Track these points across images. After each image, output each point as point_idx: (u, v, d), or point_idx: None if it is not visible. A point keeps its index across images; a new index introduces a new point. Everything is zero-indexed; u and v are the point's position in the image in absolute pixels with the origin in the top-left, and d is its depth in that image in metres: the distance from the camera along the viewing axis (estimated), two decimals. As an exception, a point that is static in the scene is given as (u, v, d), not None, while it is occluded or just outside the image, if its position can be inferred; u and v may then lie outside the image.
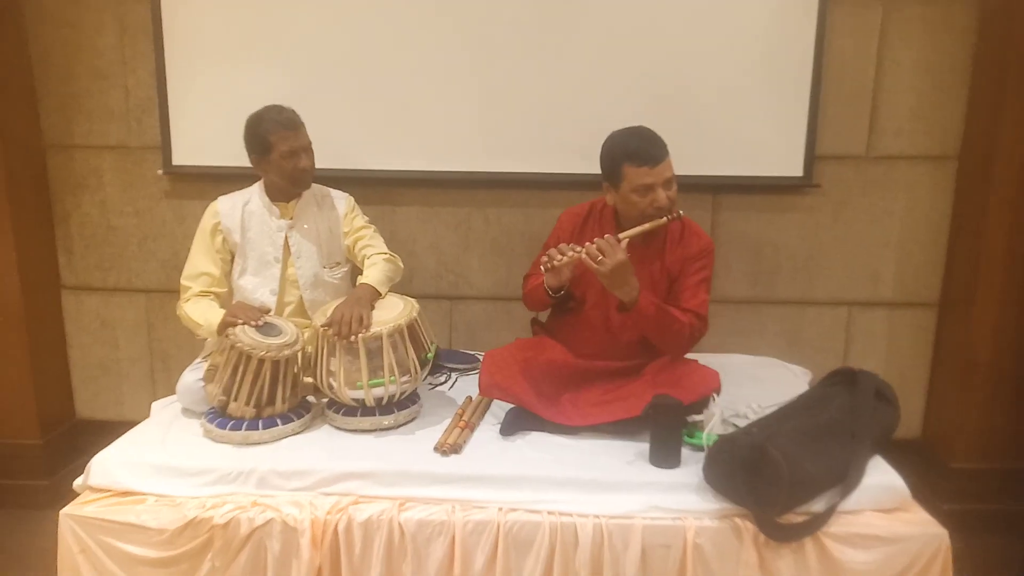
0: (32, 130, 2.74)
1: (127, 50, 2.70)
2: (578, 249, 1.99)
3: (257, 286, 2.33)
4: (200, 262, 2.31)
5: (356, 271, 2.41)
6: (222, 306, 2.25)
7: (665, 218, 2.05)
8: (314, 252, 2.37)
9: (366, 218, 2.46)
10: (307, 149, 2.29)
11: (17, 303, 2.66)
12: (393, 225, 2.79)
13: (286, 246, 2.34)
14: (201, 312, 2.21)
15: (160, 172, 2.75)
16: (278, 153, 2.24)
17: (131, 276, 2.88)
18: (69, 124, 2.76)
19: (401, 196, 2.79)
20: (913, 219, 2.74)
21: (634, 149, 2.05)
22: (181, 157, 2.72)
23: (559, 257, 2.01)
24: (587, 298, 2.24)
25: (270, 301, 2.31)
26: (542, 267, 2.05)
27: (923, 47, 2.61)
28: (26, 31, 2.69)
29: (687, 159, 2.64)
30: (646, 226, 2.05)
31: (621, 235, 2.01)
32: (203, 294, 2.28)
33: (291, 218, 2.35)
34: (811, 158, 2.65)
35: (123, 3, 2.67)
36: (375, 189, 2.75)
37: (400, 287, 2.38)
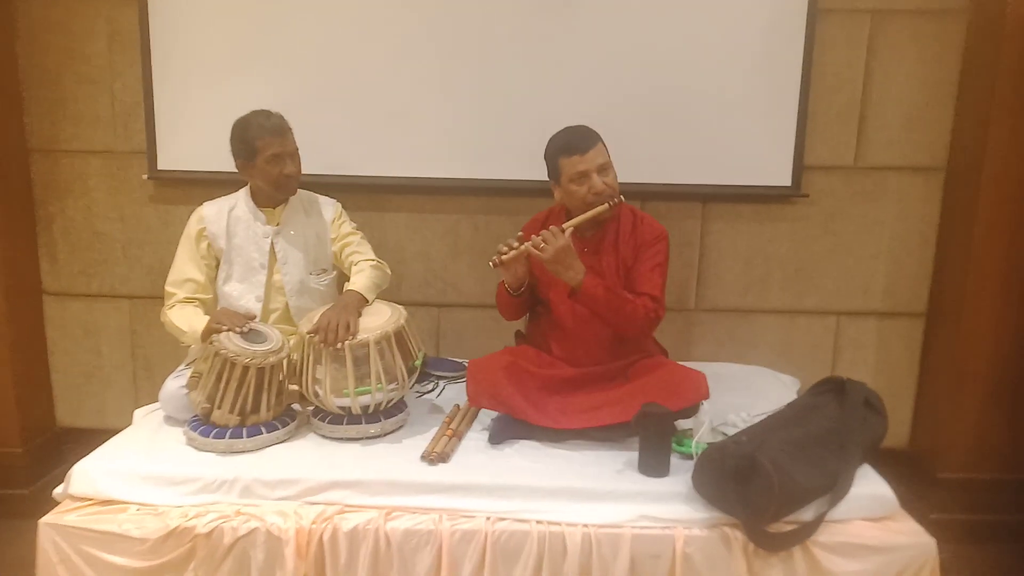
0: (17, 134, 2.71)
1: (115, 56, 2.68)
2: (525, 243, 2.05)
3: (242, 292, 2.31)
4: (185, 268, 2.28)
5: (343, 278, 2.39)
6: (207, 313, 2.23)
7: (606, 204, 2.10)
8: (300, 258, 2.35)
9: (354, 224, 2.45)
10: (293, 155, 2.28)
11: (-1, 309, 2.62)
12: (382, 232, 2.78)
13: (272, 252, 2.33)
14: (186, 319, 2.19)
15: (145, 177, 2.73)
16: (263, 158, 2.22)
17: (115, 282, 2.85)
18: (55, 129, 2.74)
19: (390, 203, 2.78)
20: (902, 229, 2.75)
21: (564, 142, 2.14)
22: (167, 162, 2.71)
23: (505, 250, 2.06)
24: (551, 298, 2.25)
25: (255, 308, 2.29)
26: (490, 263, 2.09)
27: (911, 59, 2.64)
28: (15, 35, 2.67)
29: (677, 168, 2.67)
30: (588, 214, 2.11)
31: (564, 224, 2.08)
32: (188, 300, 2.25)
33: (277, 224, 2.34)
34: (800, 168, 2.66)
35: (112, 9, 2.65)
36: (364, 195, 2.74)
37: (388, 294, 2.36)
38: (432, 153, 2.70)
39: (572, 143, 2.12)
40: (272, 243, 2.32)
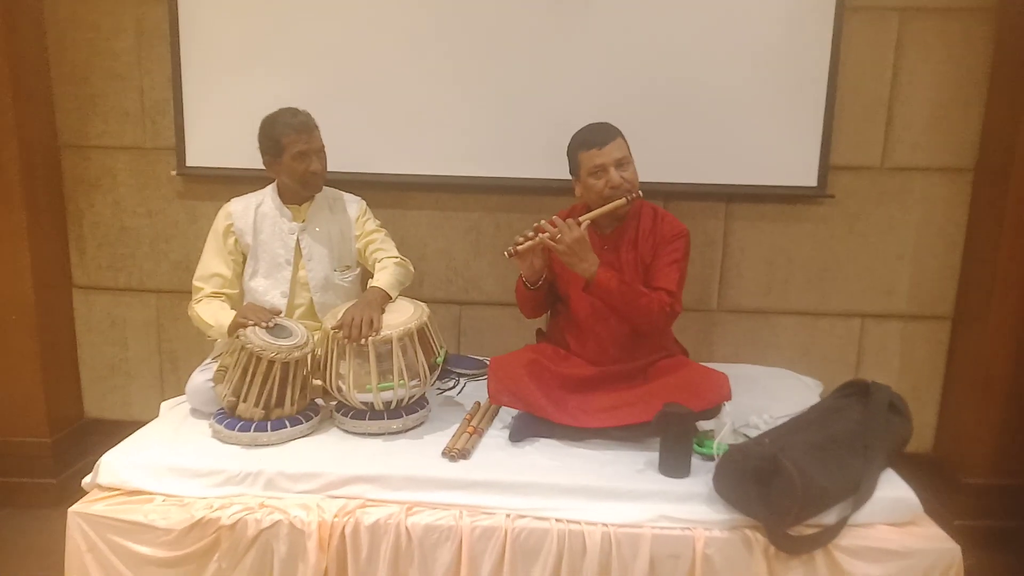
0: (47, 130, 2.76)
1: (143, 52, 2.72)
2: (540, 233, 2.06)
3: (268, 288, 2.34)
4: (212, 263, 2.31)
5: (367, 274, 2.41)
6: (233, 307, 2.25)
7: (624, 199, 2.10)
8: (325, 255, 2.37)
9: (377, 222, 2.46)
10: (319, 152, 2.30)
11: (29, 302, 2.67)
12: (404, 229, 2.79)
13: (297, 249, 2.35)
14: (212, 313, 2.22)
15: (174, 173, 2.77)
16: (290, 155, 2.24)
17: (142, 276, 2.89)
18: (84, 125, 2.78)
19: (412, 200, 2.79)
20: (928, 231, 2.72)
21: (583, 137, 2.17)
22: (195, 158, 2.74)
23: (521, 240, 2.08)
24: (571, 294, 2.26)
25: (280, 303, 2.32)
26: (505, 253, 2.10)
27: (940, 58, 2.60)
28: (45, 33, 2.71)
29: (701, 167, 2.66)
30: (606, 207, 2.12)
31: (581, 217, 2.09)
32: (214, 295, 2.28)
33: (303, 221, 2.36)
34: (825, 168, 2.64)
35: (141, 6, 2.69)
36: (386, 193, 2.75)
37: (410, 291, 2.37)
38: (454, 151, 2.70)
39: (591, 138, 2.15)
40: (298, 240, 2.34)
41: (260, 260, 2.34)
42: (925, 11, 2.58)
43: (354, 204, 2.45)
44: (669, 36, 2.59)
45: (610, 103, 2.60)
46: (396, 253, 2.38)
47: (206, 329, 2.22)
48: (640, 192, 2.14)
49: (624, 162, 2.13)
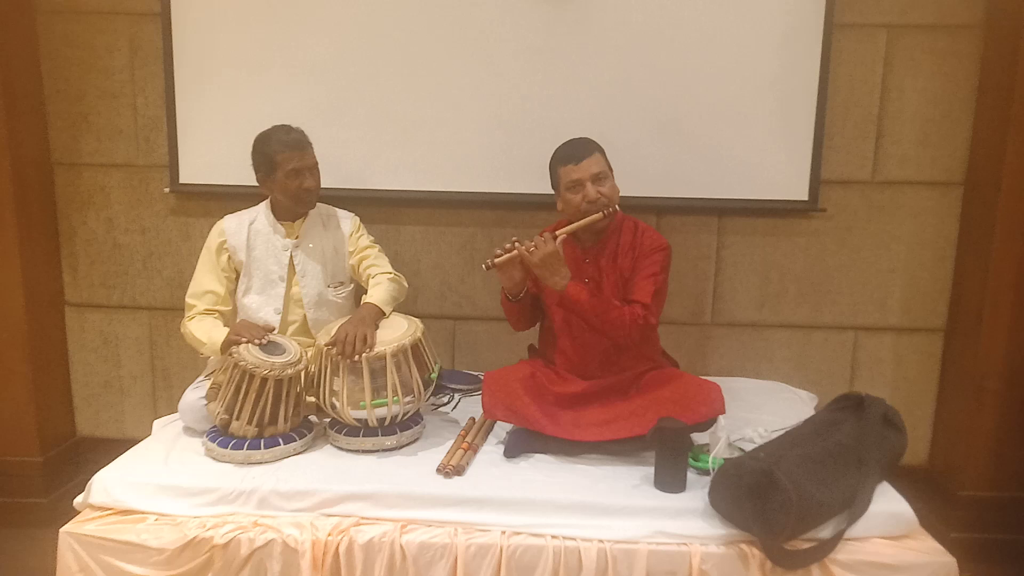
0: (41, 147, 2.75)
1: (137, 70, 2.73)
2: (516, 245, 2.10)
3: (261, 304, 2.33)
4: (205, 280, 2.31)
5: (360, 290, 2.41)
6: (226, 324, 2.25)
7: (601, 213, 2.13)
8: (319, 271, 2.37)
9: (371, 238, 2.47)
10: (312, 169, 2.30)
11: (20, 319, 2.65)
12: (398, 245, 2.80)
13: (291, 265, 2.35)
14: (205, 331, 2.21)
15: (167, 190, 2.76)
16: (283, 172, 2.25)
17: (135, 293, 2.88)
18: (77, 142, 2.78)
19: (406, 216, 2.80)
20: (919, 244, 2.73)
21: (562, 152, 2.21)
22: (188, 176, 2.74)
23: (499, 252, 2.11)
24: (551, 306, 2.28)
25: (274, 320, 2.31)
26: (483, 266, 2.13)
27: (928, 74, 2.63)
28: (38, 50, 2.72)
29: (693, 182, 2.68)
30: (582, 221, 2.15)
31: (558, 231, 2.13)
32: (207, 312, 2.28)
33: (296, 237, 2.36)
34: (817, 182, 2.66)
35: (134, 24, 2.69)
36: (380, 208, 2.76)
37: (404, 307, 2.37)
38: (448, 167, 2.71)
39: (568, 153, 2.18)
40: (291, 256, 2.34)
41: (253, 277, 2.34)
42: (913, 28, 2.61)
43: (347, 220, 2.45)
44: (661, 52, 2.61)
45: (603, 119, 2.62)
46: (390, 269, 2.38)
47: (199, 346, 2.22)
48: (617, 207, 2.17)
49: (601, 177, 2.15)
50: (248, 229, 2.35)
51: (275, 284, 2.34)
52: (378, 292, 2.25)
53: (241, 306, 2.35)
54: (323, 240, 2.39)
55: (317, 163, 2.32)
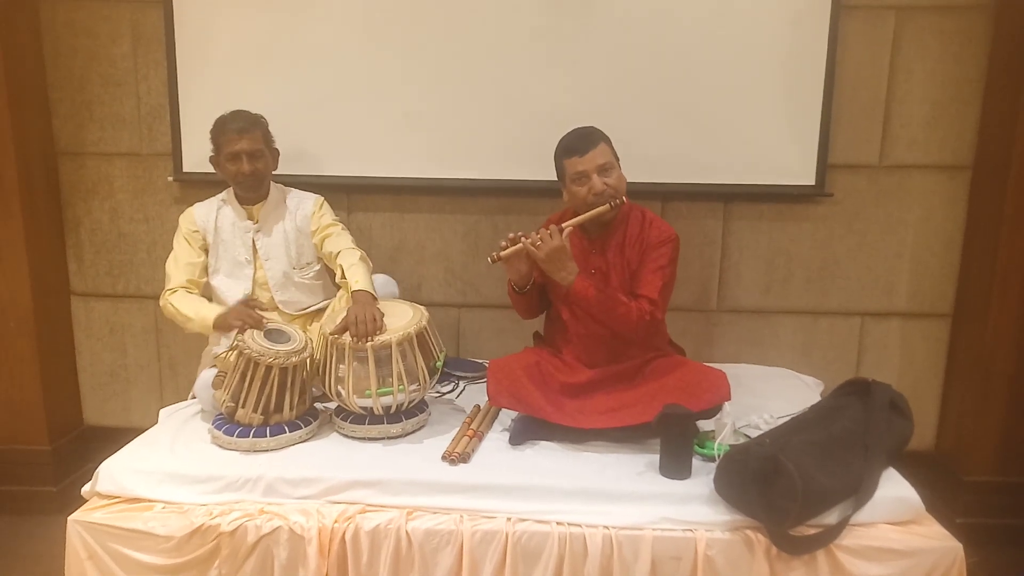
0: (44, 137, 2.75)
1: (140, 59, 2.72)
2: (522, 238, 2.07)
3: (230, 286, 2.37)
4: (183, 254, 2.35)
5: (328, 270, 2.42)
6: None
7: (608, 205, 2.10)
8: (281, 254, 2.39)
9: (334, 216, 2.46)
10: (252, 154, 2.29)
11: (27, 309, 2.66)
12: (402, 232, 2.79)
13: (254, 248, 2.37)
14: (193, 306, 2.24)
15: (170, 179, 2.76)
16: (223, 155, 2.31)
17: (140, 283, 2.88)
18: (81, 131, 2.78)
19: (410, 204, 2.79)
20: (927, 229, 2.71)
21: (566, 144, 2.17)
22: (191, 164, 2.73)
23: (505, 245, 2.09)
24: (558, 296, 2.26)
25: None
26: (488, 259, 2.11)
27: (936, 57, 2.60)
28: (41, 39, 2.71)
29: (699, 167, 2.66)
30: (589, 214, 2.12)
31: (564, 224, 2.10)
32: (188, 286, 2.31)
33: (256, 221, 2.38)
34: (824, 167, 2.64)
35: (137, 12, 2.68)
36: (384, 196, 2.75)
37: (409, 294, 2.37)
38: (452, 154, 2.70)
39: (572, 145, 2.15)
40: (253, 239, 2.36)
41: (221, 259, 2.37)
42: (921, 9, 2.57)
43: (309, 201, 2.45)
44: (666, 37, 2.59)
45: (608, 104, 2.60)
46: (352, 244, 2.36)
47: (184, 322, 2.24)
48: (624, 198, 2.14)
49: (607, 168, 2.13)
50: (216, 214, 2.39)
51: (243, 267, 2.37)
52: (360, 276, 2.23)
53: (212, 287, 2.37)
54: (285, 222, 2.41)
55: (261, 149, 2.31)
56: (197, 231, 2.36)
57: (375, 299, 2.20)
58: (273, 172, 2.40)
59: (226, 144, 2.28)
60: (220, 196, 2.42)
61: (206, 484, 1.88)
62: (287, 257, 2.39)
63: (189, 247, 2.36)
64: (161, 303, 2.30)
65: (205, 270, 2.36)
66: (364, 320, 2.04)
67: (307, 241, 2.42)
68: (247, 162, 2.29)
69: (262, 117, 2.36)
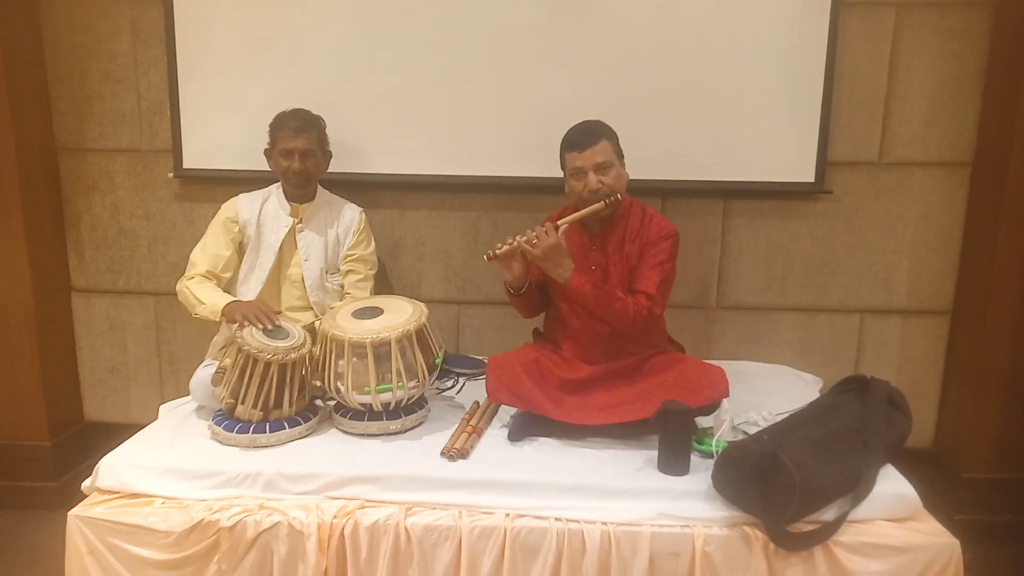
0: (45, 133, 2.75)
1: (140, 55, 2.72)
2: (518, 238, 2.07)
3: (262, 281, 2.36)
4: (211, 242, 2.36)
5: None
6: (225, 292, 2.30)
7: (602, 202, 2.11)
8: (321, 255, 2.40)
9: (372, 248, 2.49)
10: (304, 153, 2.32)
11: (28, 305, 2.67)
12: (402, 229, 2.79)
13: (293, 246, 2.37)
14: (206, 293, 2.25)
15: (171, 175, 2.76)
16: (277, 150, 2.33)
17: (140, 279, 2.89)
18: (81, 127, 2.78)
19: (410, 200, 2.79)
20: (926, 226, 2.71)
21: (569, 138, 2.18)
22: (192, 161, 2.73)
23: (500, 245, 2.09)
24: (556, 293, 2.27)
25: (272, 298, 2.35)
26: (484, 257, 2.11)
27: (936, 53, 2.60)
28: (41, 35, 2.71)
29: (699, 164, 2.66)
30: (584, 211, 2.13)
31: (560, 221, 2.10)
32: (208, 276, 2.31)
33: (300, 220, 2.37)
34: (823, 164, 2.64)
35: (137, 8, 2.68)
36: (384, 193, 2.75)
37: (408, 291, 2.38)
38: (452, 150, 2.70)
39: (574, 139, 2.15)
40: (295, 237, 2.37)
41: (259, 253, 2.38)
42: (921, 5, 2.57)
43: (352, 212, 2.48)
44: (667, 34, 2.59)
45: (608, 100, 2.60)
46: (366, 294, 2.41)
47: (194, 306, 2.24)
48: (619, 196, 2.13)
49: (606, 166, 2.12)
50: (261, 206, 2.39)
51: (278, 262, 2.38)
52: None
53: (241, 281, 2.38)
54: (327, 226, 2.42)
55: (314, 149, 2.34)
56: (236, 221, 2.37)
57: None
58: (325, 172, 2.44)
59: (281, 140, 2.31)
60: (265, 190, 2.44)
61: (206, 480, 1.89)
62: (324, 260, 2.41)
63: (221, 237, 2.36)
64: (177, 287, 2.31)
65: (229, 266, 2.36)
66: (247, 315, 2.08)
67: (341, 251, 2.45)
68: (298, 160, 2.31)
69: (321, 119, 2.39)
